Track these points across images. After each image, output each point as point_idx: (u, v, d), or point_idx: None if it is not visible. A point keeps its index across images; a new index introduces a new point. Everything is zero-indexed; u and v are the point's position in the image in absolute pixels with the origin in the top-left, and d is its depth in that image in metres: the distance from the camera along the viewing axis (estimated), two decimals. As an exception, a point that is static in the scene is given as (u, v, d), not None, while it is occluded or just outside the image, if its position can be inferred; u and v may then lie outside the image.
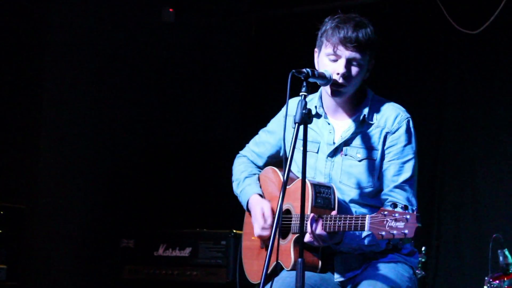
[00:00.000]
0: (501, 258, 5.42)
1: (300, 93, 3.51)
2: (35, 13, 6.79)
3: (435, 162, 6.87)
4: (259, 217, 3.90)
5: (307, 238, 3.56)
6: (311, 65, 3.75)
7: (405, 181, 3.73)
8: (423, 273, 5.87)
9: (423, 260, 5.79)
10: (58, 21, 6.91)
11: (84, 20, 7.06)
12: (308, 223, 3.53)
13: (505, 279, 5.36)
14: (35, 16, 6.79)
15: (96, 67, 7.17)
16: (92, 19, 7.12)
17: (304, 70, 3.54)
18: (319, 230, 3.53)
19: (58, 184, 6.86)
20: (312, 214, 3.55)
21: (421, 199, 6.72)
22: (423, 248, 5.67)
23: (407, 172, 3.74)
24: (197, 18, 7.83)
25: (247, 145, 4.23)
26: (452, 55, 6.92)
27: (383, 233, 3.27)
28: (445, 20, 6.80)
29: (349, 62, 3.68)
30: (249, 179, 4.10)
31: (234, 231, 6.09)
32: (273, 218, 3.81)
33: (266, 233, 3.87)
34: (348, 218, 3.48)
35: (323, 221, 3.53)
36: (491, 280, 5.36)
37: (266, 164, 4.12)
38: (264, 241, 3.94)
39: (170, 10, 7.58)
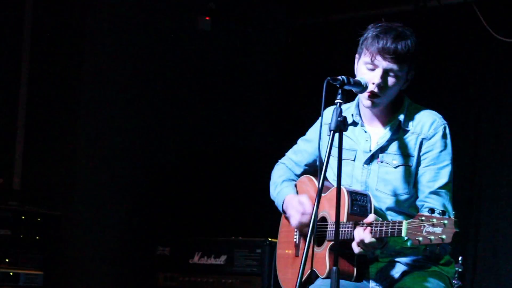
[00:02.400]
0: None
1: (336, 101, 3.50)
2: (73, 22, 6.86)
3: (473, 172, 6.81)
4: (297, 204, 3.87)
5: (356, 247, 3.53)
6: (347, 73, 3.72)
7: (441, 187, 3.70)
8: (460, 283, 5.82)
9: (460, 270, 5.74)
10: (95, 29, 6.96)
11: (121, 28, 7.11)
12: (355, 232, 3.51)
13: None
14: (73, 25, 6.86)
15: (134, 75, 7.21)
16: (129, 26, 7.16)
17: (339, 77, 3.53)
18: (368, 237, 3.49)
19: (94, 191, 6.90)
20: (361, 223, 3.53)
21: (458, 209, 6.68)
22: (459, 258, 5.62)
23: (443, 178, 3.71)
24: (233, 27, 7.84)
25: (286, 153, 4.23)
26: (490, 62, 6.86)
27: (421, 238, 3.25)
28: (483, 27, 6.76)
29: (385, 73, 3.66)
30: (286, 183, 4.10)
31: (270, 239, 6.08)
32: (312, 206, 3.71)
33: (305, 219, 3.83)
34: (385, 224, 3.45)
35: (371, 228, 3.50)
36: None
37: (303, 173, 4.11)
38: (299, 249, 3.93)
39: (207, 18, 7.60)
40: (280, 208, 4.07)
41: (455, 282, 5.78)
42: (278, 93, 8.12)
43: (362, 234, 3.49)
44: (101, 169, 6.95)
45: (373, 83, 3.65)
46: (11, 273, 5.90)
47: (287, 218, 4.00)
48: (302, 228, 3.92)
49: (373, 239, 3.48)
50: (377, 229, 3.47)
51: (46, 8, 6.85)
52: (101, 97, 7.01)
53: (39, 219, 6.13)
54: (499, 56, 6.81)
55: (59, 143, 6.77)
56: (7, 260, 5.97)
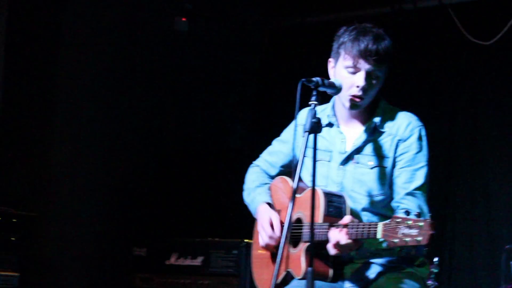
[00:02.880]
0: (513, 269, 5.40)
1: (310, 102, 3.51)
2: (48, 22, 6.81)
3: (448, 173, 6.85)
4: (267, 226, 3.88)
5: (332, 249, 3.53)
6: (324, 74, 3.74)
7: (416, 189, 3.71)
8: (436, 283, 5.84)
9: (436, 271, 5.76)
10: (71, 32, 6.93)
11: (98, 31, 7.08)
12: (331, 233, 3.51)
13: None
14: (49, 26, 6.82)
15: (109, 75, 7.18)
16: (105, 28, 7.13)
17: (313, 79, 3.54)
18: (344, 239, 3.50)
19: (70, 192, 6.88)
20: (339, 222, 3.53)
21: (434, 209, 6.72)
22: (435, 259, 5.65)
23: (419, 180, 3.72)
24: (210, 28, 7.84)
25: (261, 154, 4.23)
26: (466, 65, 6.90)
27: (396, 240, 3.26)
28: (458, 31, 6.80)
29: (368, 75, 3.68)
30: (259, 188, 4.09)
31: (246, 240, 6.08)
32: (281, 229, 3.79)
33: (273, 242, 3.87)
34: (360, 225, 3.46)
35: (348, 229, 3.50)
36: (503, 291, 5.35)
37: (279, 174, 4.11)
38: (275, 250, 3.93)
39: (183, 19, 7.59)
40: (254, 216, 4.07)
41: (431, 282, 5.80)
42: (256, 94, 8.12)
43: (338, 236, 3.50)
44: (76, 170, 6.93)
45: (357, 86, 3.67)
46: (-14, 274, 5.87)
47: None
48: (268, 249, 3.93)
49: (349, 241, 3.48)
50: (352, 231, 3.48)
51: (21, 10, 6.79)
52: (77, 97, 6.98)
53: (14, 220, 6.09)
54: (474, 59, 6.85)
55: (33, 144, 6.73)
56: (-18, 261, 5.93)
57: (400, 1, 7.18)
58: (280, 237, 3.81)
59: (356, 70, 3.69)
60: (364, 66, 3.67)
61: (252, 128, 7.90)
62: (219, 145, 7.83)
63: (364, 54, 3.65)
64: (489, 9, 6.75)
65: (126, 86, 7.30)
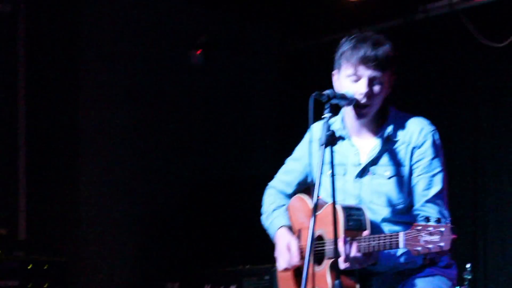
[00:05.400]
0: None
1: (323, 116, 3.49)
2: (68, 56, 6.86)
3: (475, 177, 6.79)
4: (284, 251, 3.88)
5: (343, 263, 3.50)
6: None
7: (436, 195, 3.68)
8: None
9: (469, 277, 5.67)
10: (89, 64, 6.95)
11: (116, 69, 7.11)
12: (341, 246, 3.48)
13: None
14: (68, 56, 6.86)
15: (132, 113, 7.19)
16: (124, 66, 7.16)
17: (324, 92, 3.53)
18: (354, 252, 3.48)
19: (99, 233, 6.87)
20: (343, 236, 3.51)
21: (464, 215, 6.64)
22: (468, 265, 5.56)
23: (437, 186, 3.68)
24: (226, 57, 7.85)
25: (275, 175, 4.21)
26: (479, 68, 6.86)
27: (419, 248, 3.24)
28: (471, 35, 6.77)
29: (371, 81, 3.65)
30: (277, 211, 4.08)
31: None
32: (299, 254, 3.82)
33: (290, 268, 3.87)
34: (382, 237, 3.44)
35: (357, 243, 3.48)
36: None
37: (295, 192, 4.09)
38: (298, 271, 3.90)
39: (198, 52, 7.60)
40: (273, 240, 4.06)
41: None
42: (276, 118, 8.11)
43: (347, 249, 3.48)
44: (104, 211, 6.93)
45: (361, 94, 3.64)
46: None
47: None
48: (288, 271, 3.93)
49: (358, 254, 3.47)
50: (374, 243, 3.45)
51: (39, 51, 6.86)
52: (100, 138, 7.00)
53: (45, 266, 6.10)
54: (489, 61, 6.80)
55: (61, 189, 6.76)
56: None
57: (413, 11, 7.16)
58: (297, 262, 3.83)
59: (358, 78, 3.66)
60: (365, 72, 3.64)
61: (276, 152, 7.88)
62: (244, 172, 7.81)
63: (364, 60, 3.63)
64: (500, 12, 6.71)
65: (148, 123, 7.30)
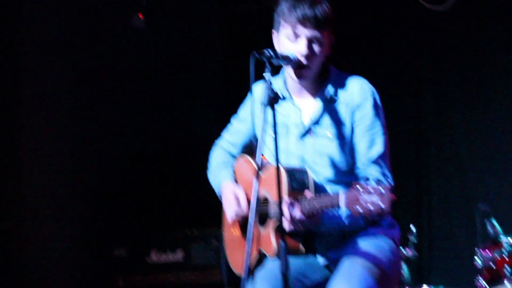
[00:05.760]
0: (489, 227, 5.39)
1: (264, 75, 3.46)
2: (4, 23, 6.72)
3: (418, 140, 6.86)
4: (232, 202, 3.85)
5: (287, 225, 3.50)
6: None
7: (377, 155, 3.67)
8: (416, 254, 5.82)
9: (415, 241, 5.74)
10: (28, 35, 6.83)
11: (55, 35, 7.00)
12: (285, 209, 3.48)
13: (496, 249, 5.31)
14: (5, 25, 6.73)
15: (72, 77, 7.08)
16: (64, 32, 7.06)
17: (265, 51, 3.50)
18: (297, 213, 3.48)
19: (44, 200, 6.80)
20: (286, 199, 3.49)
21: (409, 181, 6.70)
22: (412, 226, 5.62)
23: (378, 146, 3.68)
24: (167, 22, 7.79)
25: (222, 133, 4.19)
26: (422, 31, 6.89)
27: (360, 209, 3.23)
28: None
29: (310, 42, 3.62)
30: (222, 167, 4.05)
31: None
32: (247, 204, 3.77)
33: (239, 218, 3.85)
34: (323, 197, 3.44)
35: (300, 204, 3.49)
36: (481, 251, 5.32)
37: (241, 151, 4.07)
38: (245, 231, 3.90)
39: (140, 16, 7.52)
40: (218, 195, 4.03)
41: (411, 253, 5.78)
42: (219, 82, 8.09)
43: (291, 211, 3.47)
44: (48, 175, 6.84)
45: (301, 55, 3.61)
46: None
47: None
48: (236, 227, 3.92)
49: (302, 216, 3.46)
50: (316, 203, 3.44)
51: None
52: (41, 105, 6.90)
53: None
54: (430, 26, 6.83)
55: (2, 154, 6.66)
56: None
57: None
58: (247, 212, 3.78)
59: (296, 37, 3.63)
60: (304, 32, 3.61)
61: (219, 115, 7.86)
62: (189, 135, 7.79)
63: (302, 20, 3.59)
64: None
65: (89, 88, 7.21)
